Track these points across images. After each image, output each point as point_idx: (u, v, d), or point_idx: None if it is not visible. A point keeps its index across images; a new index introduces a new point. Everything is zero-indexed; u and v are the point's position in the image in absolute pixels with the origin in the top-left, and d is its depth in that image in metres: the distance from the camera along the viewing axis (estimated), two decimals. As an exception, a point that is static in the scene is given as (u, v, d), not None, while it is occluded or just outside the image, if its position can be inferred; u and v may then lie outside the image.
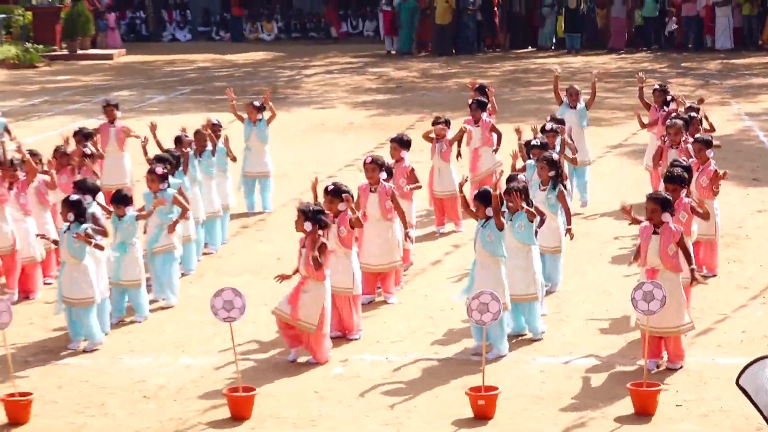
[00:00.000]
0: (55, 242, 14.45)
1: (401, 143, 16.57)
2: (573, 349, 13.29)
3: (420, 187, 16.70)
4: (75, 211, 13.59)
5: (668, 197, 12.64)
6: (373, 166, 14.96)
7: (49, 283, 15.91)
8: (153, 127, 18.15)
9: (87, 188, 14.51)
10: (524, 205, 13.19)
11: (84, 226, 13.49)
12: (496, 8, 44.14)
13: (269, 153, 19.92)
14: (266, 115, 19.81)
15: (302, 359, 12.99)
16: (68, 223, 13.61)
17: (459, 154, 18.91)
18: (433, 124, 18.53)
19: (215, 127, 18.14)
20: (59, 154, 16.81)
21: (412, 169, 16.47)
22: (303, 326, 12.90)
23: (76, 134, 18.11)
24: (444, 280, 15.88)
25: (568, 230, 15.06)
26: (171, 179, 15.63)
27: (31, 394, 11.79)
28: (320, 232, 12.87)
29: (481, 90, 20.78)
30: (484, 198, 13.00)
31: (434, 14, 42.94)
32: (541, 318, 13.70)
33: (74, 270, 13.47)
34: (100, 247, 13.56)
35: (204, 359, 13.20)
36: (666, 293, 11.81)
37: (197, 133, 17.69)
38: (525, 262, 13.39)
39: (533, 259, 13.50)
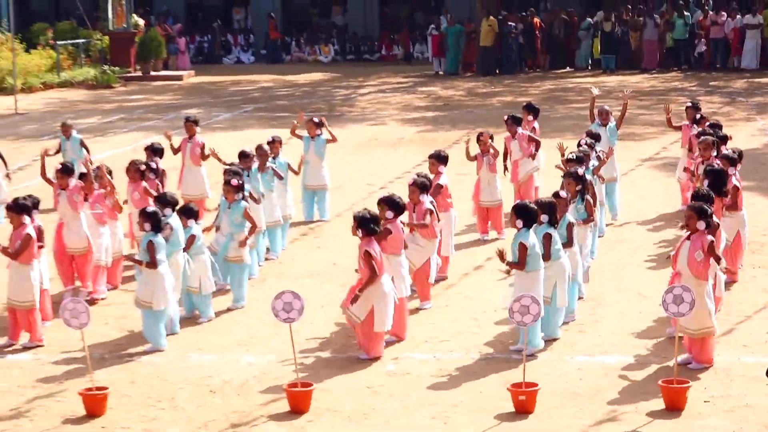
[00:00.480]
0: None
1: (438, 159, 16.50)
2: (608, 348, 13.23)
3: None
4: (152, 222, 13.66)
5: (705, 207, 12.61)
6: (413, 188, 14.95)
7: (111, 289, 16.00)
8: (213, 153, 18.23)
9: (166, 202, 14.50)
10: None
11: (158, 237, 13.58)
12: (537, 32, 44.06)
13: (326, 167, 19.96)
14: (325, 132, 19.87)
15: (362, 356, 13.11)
16: (145, 233, 13.67)
17: (506, 168, 18.88)
18: (478, 139, 18.51)
19: (275, 144, 18.19)
20: (133, 168, 16.83)
21: (443, 187, 16.30)
22: (351, 318, 13.05)
23: (146, 149, 18.16)
24: (486, 284, 15.83)
25: (592, 220, 15.23)
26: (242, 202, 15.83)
27: (107, 388, 11.86)
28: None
29: (529, 108, 20.81)
30: (518, 210, 13.09)
31: (479, 37, 42.94)
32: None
33: (148, 277, 13.55)
34: (152, 266, 13.52)
35: (265, 357, 13.23)
36: (695, 297, 11.77)
37: (259, 148, 17.74)
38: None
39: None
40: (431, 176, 15.87)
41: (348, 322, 13.30)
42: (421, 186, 14.95)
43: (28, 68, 40.83)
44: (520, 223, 13.01)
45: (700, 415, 11.27)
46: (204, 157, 19.20)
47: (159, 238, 13.60)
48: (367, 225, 13.06)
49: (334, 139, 19.90)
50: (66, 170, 15.64)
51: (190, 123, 19.72)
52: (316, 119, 20.14)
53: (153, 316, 13.53)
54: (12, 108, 35.23)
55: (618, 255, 17.28)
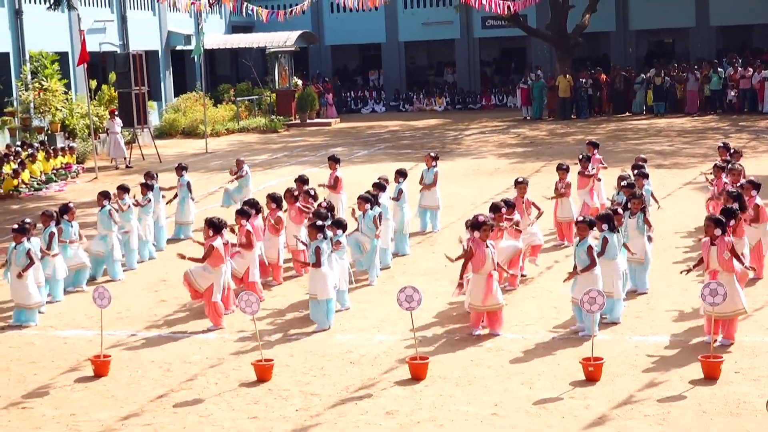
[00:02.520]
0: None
1: (518, 182, 16.59)
2: (659, 331, 12.98)
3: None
4: (322, 233, 13.73)
5: (720, 218, 12.40)
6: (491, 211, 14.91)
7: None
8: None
9: (320, 216, 14.57)
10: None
11: (323, 243, 13.61)
12: (603, 85, 43.60)
13: (438, 191, 19.89)
14: (438, 164, 19.88)
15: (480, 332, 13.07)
16: (315, 240, 13.73)
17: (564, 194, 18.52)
18: (557, 169, 18.34)
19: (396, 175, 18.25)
20: (289, 193, 16.92)
21: (532, 203, 16.30)
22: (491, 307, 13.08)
23: (296, 180, 18.13)
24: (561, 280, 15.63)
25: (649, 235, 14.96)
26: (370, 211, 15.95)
27: (272, 360, 11.97)
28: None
29: (592, 143, 20.54)
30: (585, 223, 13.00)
31: (558, 90, 42.62)
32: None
33: (315, 274, 13.62)
34: (317, 266, 13.50)
35: (393, 337, 13.21)
36: (726, 290, 11.52)
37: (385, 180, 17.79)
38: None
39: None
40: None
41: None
42: (493, 207, 14.85)
43: (216, 118, 41.51)
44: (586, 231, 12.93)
45: (732, 383, 10.98)
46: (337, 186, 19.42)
47: (325, 245, 13.64)
48: (476, 228, 13.06)
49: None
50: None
51: (332, 161, 19.84)
52: (432, 153, 20.12)
53: (317, 304, 13.63)
54: (203, 148, 35.85)
55: (667, 258, 16.92)
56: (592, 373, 11.24)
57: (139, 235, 18.21)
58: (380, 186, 17.20)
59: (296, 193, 17.00)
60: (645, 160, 19.21)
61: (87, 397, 11.49)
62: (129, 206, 17.90)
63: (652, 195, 17.30)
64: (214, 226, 14.12)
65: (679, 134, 35.18)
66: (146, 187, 18.77)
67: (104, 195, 17.31)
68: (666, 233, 18.72)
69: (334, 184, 19.48)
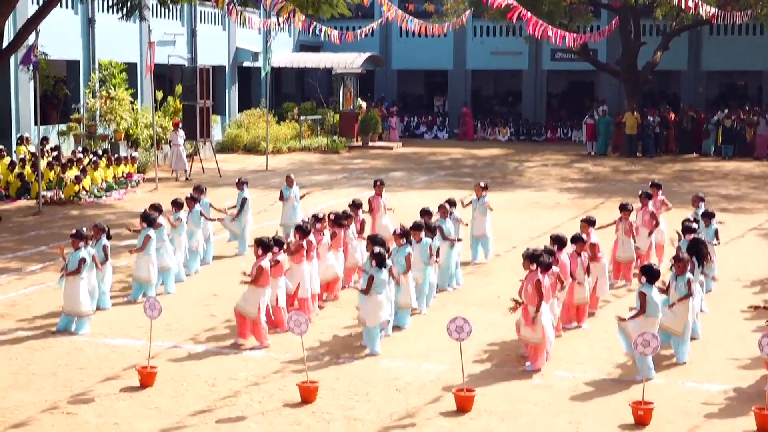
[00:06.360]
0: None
1: (588, 222, 16.20)
2: (713, 378, 12.77)
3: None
4: (378, 260, 13.77)
5: None
6: (551, 241, 14.79)
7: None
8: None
9: (376, 242, 14.47)
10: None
11: (381, 272, 13.71)
12: (671, 124, 43.23)
13: (488, 220, 19.78)
14: (489, 195, 19.80)
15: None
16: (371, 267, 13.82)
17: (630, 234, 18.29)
18: (620, 209, 18.07)
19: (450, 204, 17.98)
20: (332, 217, 16.86)
21: (593, 244, 15.98)
22: (526, 339, 13.13)
23: (349, 205, 18.25)
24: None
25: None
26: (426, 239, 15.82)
27: (317, 382, 11.95)
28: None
29: (656, 185, 20.17)
30: (645, 271, 12.88)
31: (624, 126, 42.32)
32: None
33: (364, 300, 13.69)
34: (365, 293, 13.66)
35: (441, 366, 13.13)
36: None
37: (441, 207, 17.69)
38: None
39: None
40: (584, 236, 15.59)
41: (523, 340, 13.32)
42: (554, 239, 14.78)
43: (278, 136, 41.78)
44: (644, 279, 12.78)
45: (786, 437, 10.79)
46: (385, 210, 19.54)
47: (381, 274, 13.68)
48: (537, 260, 13.05)
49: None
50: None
51: (380, 185, 19.87)
52: (482, 184, 20.06)
53: (367, 330, 13.65)
54: (264, 165, 36.08)
55: (725, 305, 16.66)
56: (641, 417, 11.09)
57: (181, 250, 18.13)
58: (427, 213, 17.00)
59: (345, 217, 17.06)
60: (702, 199, 18.88)
61: (131, 406, 11.57)
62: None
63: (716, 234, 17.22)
64: (264, 245, 14.16)
65: (747, 178, 34.72)
66: (192, 201, 18.74)
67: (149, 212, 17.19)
68: (726, 279, 18.41)
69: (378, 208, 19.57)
